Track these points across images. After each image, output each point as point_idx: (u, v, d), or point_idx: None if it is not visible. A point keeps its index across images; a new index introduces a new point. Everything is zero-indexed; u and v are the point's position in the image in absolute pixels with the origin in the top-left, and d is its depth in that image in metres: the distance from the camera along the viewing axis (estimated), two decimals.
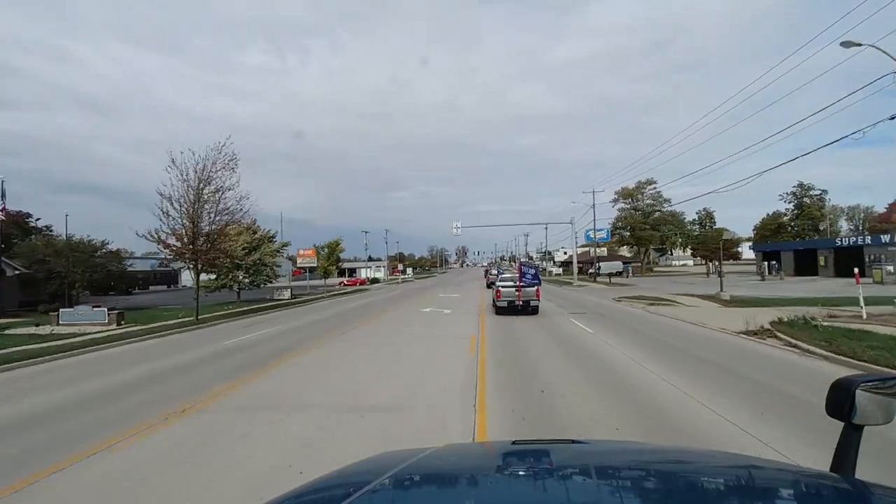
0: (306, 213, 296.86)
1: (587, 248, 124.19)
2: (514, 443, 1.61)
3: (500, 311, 17.55)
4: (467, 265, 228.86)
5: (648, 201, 58.20)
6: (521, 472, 1.35)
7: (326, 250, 36.56)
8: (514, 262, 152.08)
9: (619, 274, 66.15)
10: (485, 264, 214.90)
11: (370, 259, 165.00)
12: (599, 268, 70.08)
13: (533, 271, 18.23)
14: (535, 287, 17.36)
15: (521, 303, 17.05)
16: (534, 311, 17.20)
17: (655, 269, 74.66)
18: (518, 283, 17.48)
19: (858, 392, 1.08)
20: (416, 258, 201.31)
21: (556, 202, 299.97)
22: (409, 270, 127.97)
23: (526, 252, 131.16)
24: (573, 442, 1.64)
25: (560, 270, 78.72)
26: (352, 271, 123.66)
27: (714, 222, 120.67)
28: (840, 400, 1.10)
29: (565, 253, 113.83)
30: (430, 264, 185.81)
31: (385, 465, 1.26)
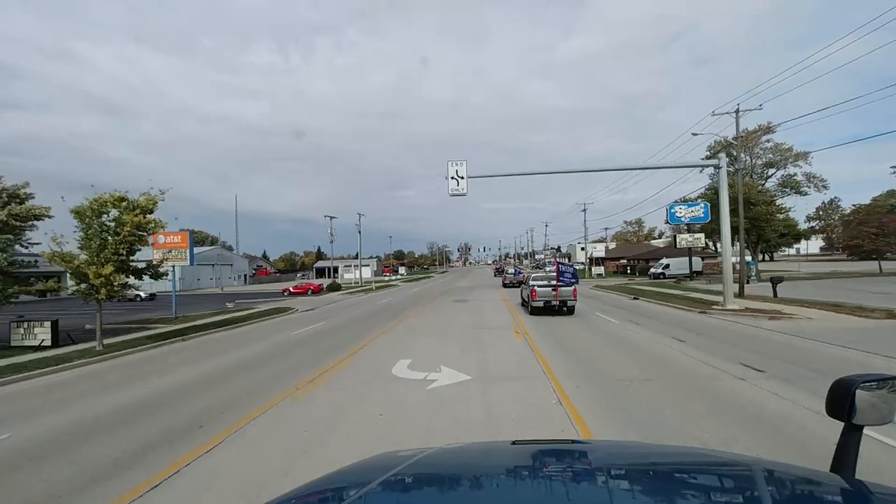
0: (311, 213, 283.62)
1: (596, 241, 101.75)
2: (513, 443, 1.52)
3: (534, 311, 16.43)
4: (471, 263, 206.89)
5: (767, 157, 35.29)
6: (521, 473, 1.29)
7: (94, 221, 13.42)
8: (522, 259, 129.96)
9: (695, 275, 44.02)
10: (490, 262, 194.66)
11: (357, 256, 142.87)
12: (665, 266, 47.62)
13: (572, 270, 16.76)
14: (573, 287, 16.18)
15: (557, 302, 16.02)
16: (570, 311, 16.25)
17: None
18: (556, 282, 16.21)
19: (858, 392, 1.06)
20: (417, 256, 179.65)
21: (564, 199, 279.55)
22: (402, 269, 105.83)
23: (545, 246, 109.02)
24: (573, 442, 1.61)
25: (602, 270, 56.02)
26: (334, 270, 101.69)
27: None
28: (840, 400, 1.08)
29: (607, 248, 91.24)
30: (429, 263, 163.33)
31: (385, 465, 1.24)
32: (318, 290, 41.27)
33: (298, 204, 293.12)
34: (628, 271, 52.83)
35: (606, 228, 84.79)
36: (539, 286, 16.60)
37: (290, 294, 40.86)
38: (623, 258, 60.56)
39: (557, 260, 27.36)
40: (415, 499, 1.13)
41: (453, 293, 31.77)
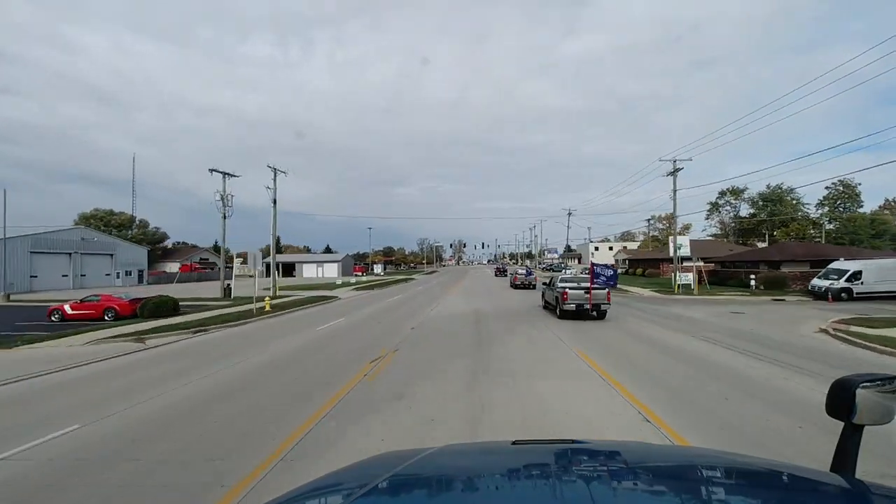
0: (309, 207, 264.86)
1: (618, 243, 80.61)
2: (514, 443, 1.48)
3: (564, 314, 15.31)
4: (464, 262, 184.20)
5: None
6: (521, 473, 1.26)
7: None
8: (524, 259, 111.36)
9: None
10: (486, 262, 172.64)
11: (327, 250, 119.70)
12: (852, 275, 24.59)
13: (610, 272, 15.38)
14: (607, 290, 15.25)
15: (590, 306, 15.04)
16: (601, 315, 15.39)
17: None
18: (589, 284, 15.25)
19: (858, 392, 1.06)
20: (407, 253, 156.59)
21: (559, 201, 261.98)
22: (379, 268, 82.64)
23: (542, 247, 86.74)
24: (573, 442, 1.53)
25: (689, 279, 32.61)
26: (290, 267, 78.35)
27: (861, 203, 76.44)
28: (840, 400, 1.08)
29: (610, 248, 69.30)
30: (415, 261, 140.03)
31: (385, 466, 1.22)
32: (127, 312, 18.06)
33: (294, 199, 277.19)
34: (750, 282, 29.86)
35: (685, 212, 61.65)
36: (571, 289, 15.42)
37: (64, 320, 17.75)
38: (708, 259, 37.87)
39: (593, 261, 20.39)
40: (415, 499, 1.10)
41: (422, 363, 8.90)
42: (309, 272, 76.08)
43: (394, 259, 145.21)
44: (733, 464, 1.31)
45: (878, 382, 1.08)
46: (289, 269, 76.90)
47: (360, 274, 75.48)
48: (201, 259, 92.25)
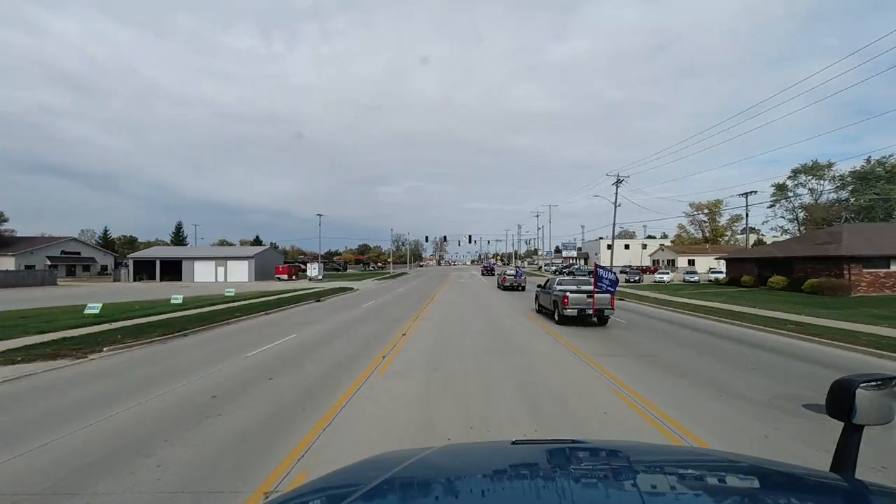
0: (287, 204, 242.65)
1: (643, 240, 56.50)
2: (513, 443, 1.46)
3: (564, 320, 13.96)
4: (446, 262, 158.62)
5: None
6: (520, 473, 1.25)
7: None
8: (510, 259, 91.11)
9: None
10: (469, 262, 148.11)
11: (257, 242, 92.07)
12: None
13: (612, 276, 14.17)
14: (610, 295, 13.85)
15: (593, 311, 13.55)
16: (604, 322, 14.05)
17: None
18: (593, 288, 13.87)
19: (858, 392, 1.05)
20: (384, 251, 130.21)
21: (549, 200, 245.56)
22: (315, 269, 55.85)
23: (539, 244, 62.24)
24: (573, 442, 1.51)
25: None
26: (173, 266, 50.63)
27: None
28: (840, 400, 1.07)
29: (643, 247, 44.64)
30: (385, 260, 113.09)
31: (385, 466, 1.20)
32: None
33: (273, 195, 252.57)
34: None
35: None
36: (572, 292, 14.17)
37: None
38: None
39: (597, 264, 15.94)
40: (415, 499, 1.07)
41: None
42: (203, 274, 48.69)
43: (365, 258, 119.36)
44: (733, 464, 1.28)
45: (878, 382, 1.06)
46: (171, 269, 49.39)
47: (283, 277, 48.71)
48: (63, 252, 63.41)
